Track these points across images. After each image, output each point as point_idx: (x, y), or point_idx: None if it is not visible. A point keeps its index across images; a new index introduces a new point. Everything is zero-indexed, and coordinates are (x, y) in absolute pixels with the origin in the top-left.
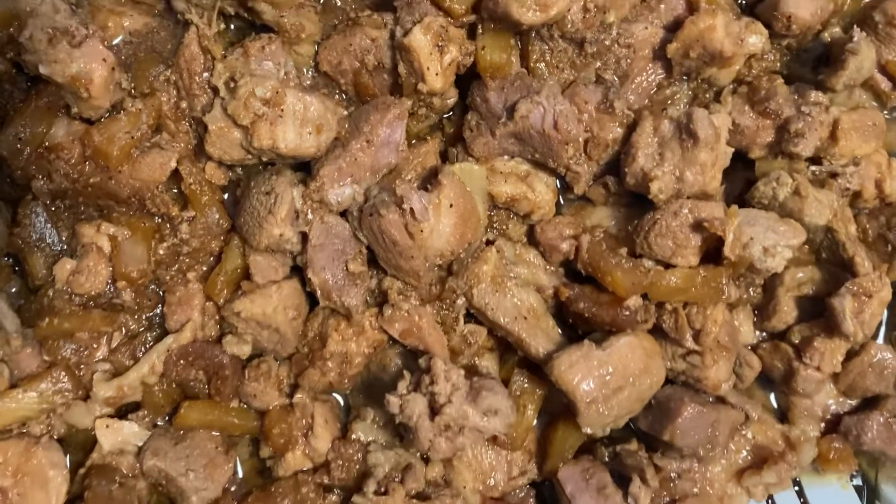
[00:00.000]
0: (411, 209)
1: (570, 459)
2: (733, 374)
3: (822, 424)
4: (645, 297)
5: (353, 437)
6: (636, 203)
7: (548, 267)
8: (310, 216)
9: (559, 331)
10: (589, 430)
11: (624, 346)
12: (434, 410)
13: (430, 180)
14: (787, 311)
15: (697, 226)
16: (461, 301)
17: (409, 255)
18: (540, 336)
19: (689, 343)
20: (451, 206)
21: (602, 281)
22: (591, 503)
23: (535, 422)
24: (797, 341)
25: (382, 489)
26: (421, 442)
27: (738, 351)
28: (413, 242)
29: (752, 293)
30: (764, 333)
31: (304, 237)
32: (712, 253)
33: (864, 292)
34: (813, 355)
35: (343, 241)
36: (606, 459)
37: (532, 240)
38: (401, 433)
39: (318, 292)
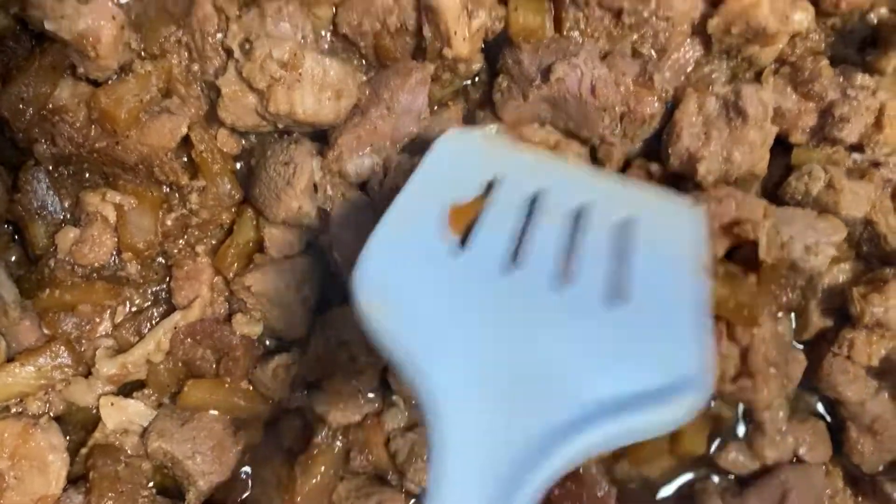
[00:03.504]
0: None
1: None
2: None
3: None
4: None
5: None
6: (678, 189)
7: None
8: (329, 191)
9: None
10: None
11: None
12: None
13: None
14: (816, 324)
15: (731, 225)
16: None
17: None
18: None
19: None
20: None
21: None
22: None
23: None
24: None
25: None
26: None
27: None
28: None
29: (791, 295)
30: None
31: (324, 214)
32: (751, 256)
33: (881, 279)
34: (842, 344)
35: (367, 217)
36: None
37: None
38: None
39: (345, 272)
